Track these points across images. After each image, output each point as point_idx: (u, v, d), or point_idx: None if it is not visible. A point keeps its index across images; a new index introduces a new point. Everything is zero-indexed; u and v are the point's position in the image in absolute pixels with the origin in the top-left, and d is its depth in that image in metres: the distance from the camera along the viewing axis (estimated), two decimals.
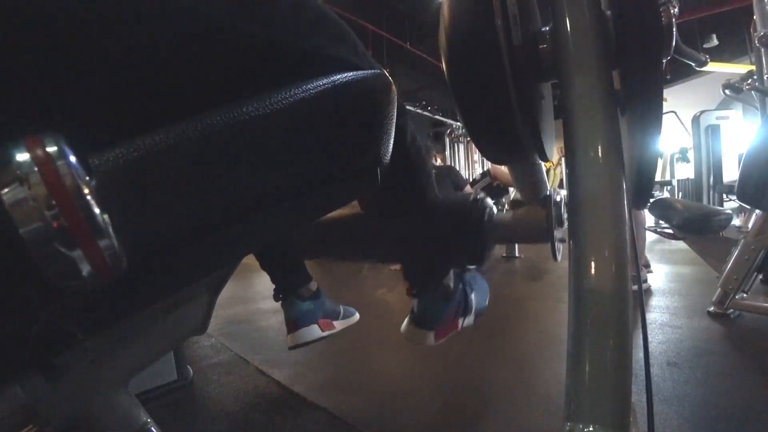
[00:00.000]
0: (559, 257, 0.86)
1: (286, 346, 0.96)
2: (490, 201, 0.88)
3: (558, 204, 0.83)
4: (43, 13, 0.27)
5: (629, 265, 0.45)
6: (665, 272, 2.54)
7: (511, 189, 3.91)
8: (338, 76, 0.39)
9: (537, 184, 0.83)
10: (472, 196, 0.86)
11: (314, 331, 0.97)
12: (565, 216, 0.80)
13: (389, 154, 0.48)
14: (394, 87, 0.45)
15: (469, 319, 0.91)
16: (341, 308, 1.09)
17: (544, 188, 0.84)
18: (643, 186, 0.55)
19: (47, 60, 0.27)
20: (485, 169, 3.76)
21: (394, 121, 0.46)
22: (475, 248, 0.83)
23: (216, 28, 0.34)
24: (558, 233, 0.85)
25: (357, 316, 1.14)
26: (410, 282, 0.83)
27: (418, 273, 0.82)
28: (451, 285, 0.85)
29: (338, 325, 1.06)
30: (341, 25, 0.45)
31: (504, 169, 3.43)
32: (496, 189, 3.38)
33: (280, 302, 1.00)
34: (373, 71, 0.42)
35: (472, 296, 0.90)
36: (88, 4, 0.28)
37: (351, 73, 0.40)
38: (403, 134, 0.56)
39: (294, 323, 0.97)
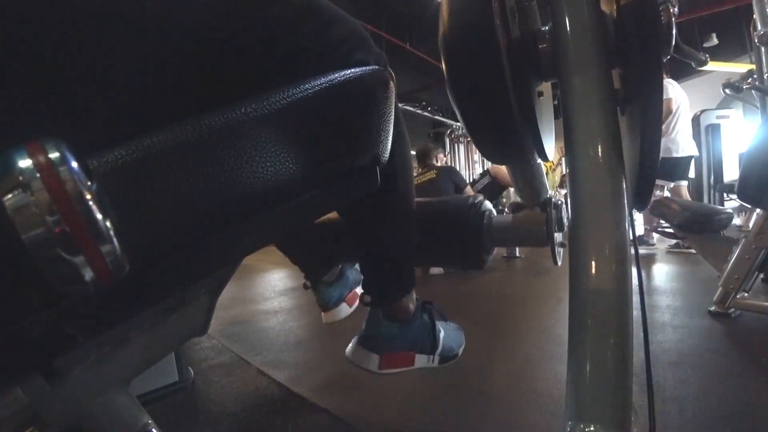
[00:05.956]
0: (559, 262, 0.83)
1: (287, 346, 0.97)
2: (489, 204, 0.87)
3: (558, 207, 0.81)
4: (42, 16, 0.27)
5: (630, 265, 0.45)
6: (666, 271, 2.54)
7: (510, 189, 3.91)
8: (335, 75, 0.38)
9: (537, 186, 0.82)
10: (470, 199, 0.85)
11: (343, 309, 1.06)
12: (566, 219, 0.77)
13: (388, 152, 0.47)
14: (392, 83, 0.44)
15: (432, 360, 0.82)
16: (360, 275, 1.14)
17: (544, 191, 0.83)
18: (643, 186, 0.54)
19: (46, 63, 0.27)
20: (485, 169, 3.76)
21: (393, 117, 0.46)
22: (474, 252, 0.82)
23: (216, 28, 0.34)
24: (558, 237, 0.83)
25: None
26: (366, 291, 0.73)
27: (381, 279, 0.71)
28: (412, 308, 0.74)
29: (360, 291, 1.10)
30: (355, 26, 0.45)
31: (504, 168, 3.43)
32: (496, 187, 3.39)
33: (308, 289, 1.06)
34: (370, 68, 0.42)
35: (441, 336, 0.81)
36: (86, 6, 0.28)
37: (349, 71, 0.40)
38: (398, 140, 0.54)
39: (325, 305, 1.04)
